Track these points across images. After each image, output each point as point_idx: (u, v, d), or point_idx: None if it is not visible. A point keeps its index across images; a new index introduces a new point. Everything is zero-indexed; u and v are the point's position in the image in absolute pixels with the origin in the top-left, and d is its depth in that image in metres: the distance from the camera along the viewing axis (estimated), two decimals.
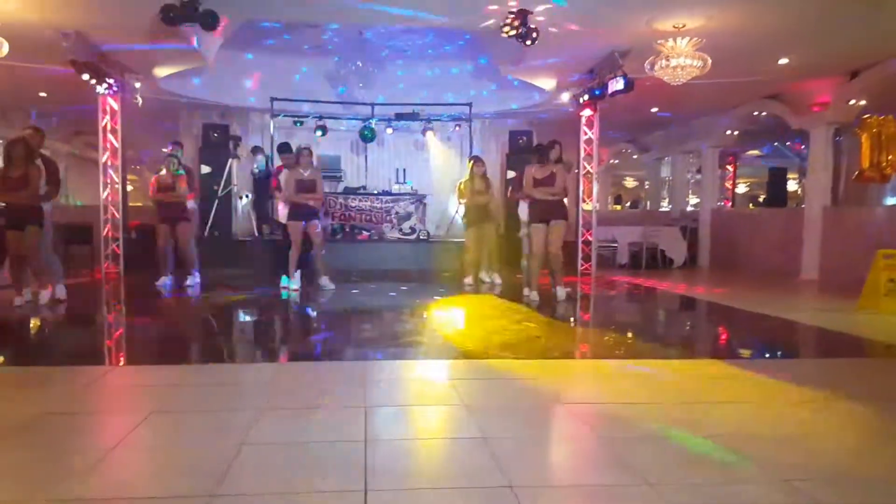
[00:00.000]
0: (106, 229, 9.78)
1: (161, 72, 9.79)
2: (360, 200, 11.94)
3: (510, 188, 9.62)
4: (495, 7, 7.06)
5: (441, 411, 3.36)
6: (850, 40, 8.00)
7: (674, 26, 7.38)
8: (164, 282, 8.48)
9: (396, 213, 11.89)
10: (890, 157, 8.78)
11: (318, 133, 12.32)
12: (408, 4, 7.33)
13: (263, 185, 11.57)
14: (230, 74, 11.65)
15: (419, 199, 12.06)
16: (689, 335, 6.56)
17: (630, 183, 28.27)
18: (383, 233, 11.76)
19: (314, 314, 7.07)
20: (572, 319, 6.89)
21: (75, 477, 2.40)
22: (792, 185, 18.93)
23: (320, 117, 12.36)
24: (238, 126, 12.83)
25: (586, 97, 9.87)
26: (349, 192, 12.33)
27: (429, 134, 12.94)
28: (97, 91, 8.92)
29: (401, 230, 11.73)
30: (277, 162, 9.18)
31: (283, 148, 8.73)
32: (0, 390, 3.73)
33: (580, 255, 10.65)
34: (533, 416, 3.28)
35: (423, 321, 6.60)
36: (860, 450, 2.92)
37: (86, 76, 8.20)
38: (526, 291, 7.53)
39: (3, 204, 6.66)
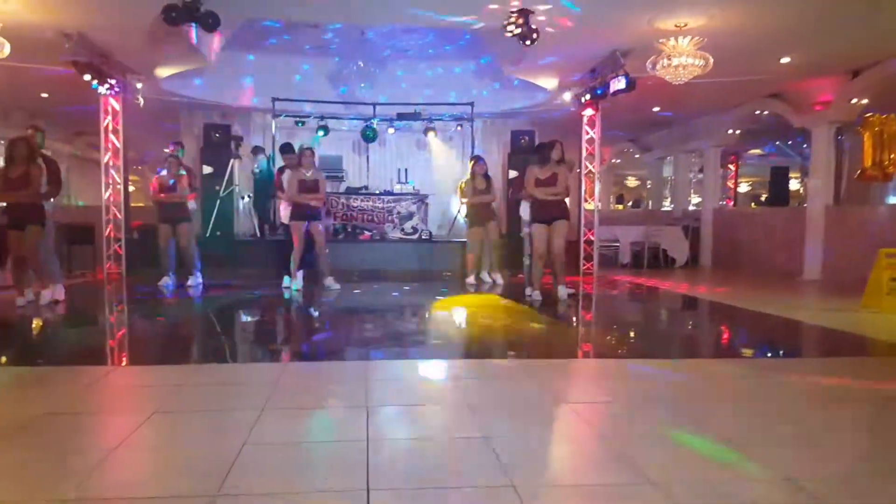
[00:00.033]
0: (108, 230, 9.79)
1: (162, 72, 9.79)
2: (361, 200, 11.94)
3: (511, 189, 9.62)
4: (496, 6, 7.05)
5: (443, 411, 3.36)
6: (852, 39, 7.99)
7: (675, 25, 7.37)
8: (166, 282, 8.49)
9: (398, 212, 11.89)
10: (892, 156, 8.77)
11: (320, 133, 12.32)
12: (408, 4, 7.32)
13: (264, 186, 11.60)
14: (231, 74, 11.64)
15: (421, 199, 12.05)
16: (692, 334, 6.55)
17: (632, 182, 28.23)
18: (385, 233, 11.76)
19: (316, 314, 7.07)
20: (574, 319, 6.89)
21: (77, 477, 2.39)
22: (794, 185, 18.92)
23: (322, 117, 12.37)
24: (240, 126, 12.83)
25: (588, 96, 9.87)
26: (351, 192, 12.33)
27: (430, 134, 12.93)
28: (99, 92, 8.93)
29: (402, 230, 11.72)
30: (279, 162, 9.19)
31: (286, 148, 8.74)
32: (2, 390, 3.74)
33: (582, 254, 10.64)
34: (535, 416, 3.28)
35: (425, 321, 6.60)
36: (863, 449, 2.91)
37: (87, 77, 8.21)
38: (528, 291, 7.53)
39: (4, 204, 6.67)
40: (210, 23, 6.76)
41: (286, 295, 7.85)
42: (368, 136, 12.50)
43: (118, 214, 9.86)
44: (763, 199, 20.53)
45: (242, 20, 8.54)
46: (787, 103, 10.89)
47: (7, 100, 11.60)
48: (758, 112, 12.00)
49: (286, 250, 8.23)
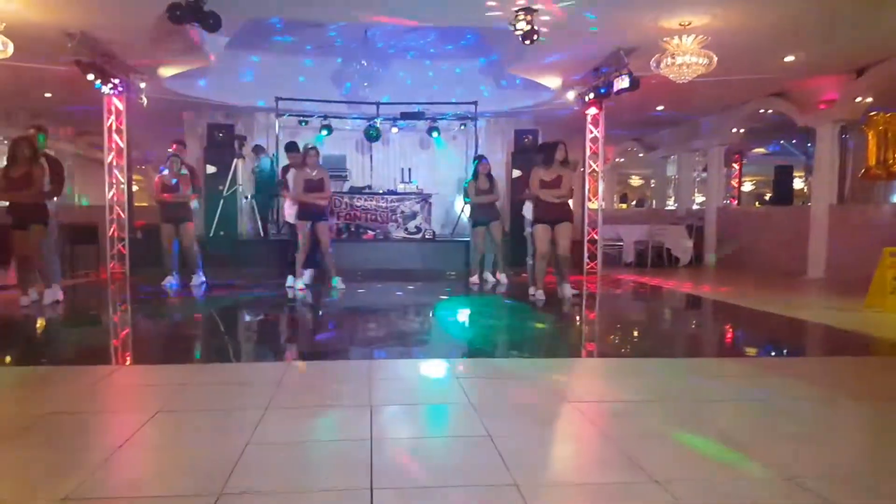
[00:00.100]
0: (111, 229, 9.80)
1: (166, 72, 9.81)
2: (365, 200, 11.93)
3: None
4: (494, 2, 7.02)
5: (446, 410, 3.36)
6: (856, 37, 7.97)
7: (679, 24, 7.35)
8: (170, 281, 8.51)
9: (402, 212, 11.88)
10: None
11: (324, 132, 12.34)
12: (409, 3, 7.33)
13: (265, 185, 11.62)
14: (235, 74, 11.66)
15: (424, 199, 12.04)
16: (695, 333, 6.53)
17: (636, 181, 28.20)
18: (389, 232, 11.76)
19: (320, 313, 7.08)
20: (578, 318, 6.88)
21: (81, 476, 2.40)
22: (798, 183, 18.86)
23: (325, 117, 12.38)
24: (243, 126, 12.84)
25: (592, 95, 9.85)
26: (354, 191, 12.33)
27: (434, 133, 12.94)
28: (102, 91, 8.94)
29: (406, 229, 11.72)
30: (283, 161, 9.20)
31: (291, 147, 8.75)
32: (6, 389, 3.75)
33: (586, 253, 10.63)
34: (539, 415, 3.27)
35: (428, 320, 6.60)
36: (866, 448, 2.91)
37: (90, 76, 8.23)
38: (531, 290, 7.52)
39: (7, 203, 6.69)
40: (211, 23, 6.77)
41: (290, 294, 7.85)
42: (372, 135, 12.51)
43: (122, 214, 9.87)
44: (767, 198, 20.50)
45: (245, 20, 8.56)
46: (791, 102, 10.87)
47: (10, 100, 11.63)
48: (762, 111, 11.98)
49: (289, 250, 8.23)
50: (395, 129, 13.06)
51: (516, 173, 11.34)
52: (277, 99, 11.80)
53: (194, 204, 8.81)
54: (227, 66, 10.58)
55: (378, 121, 12.48)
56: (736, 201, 19.54)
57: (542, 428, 3.11)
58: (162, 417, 3.12)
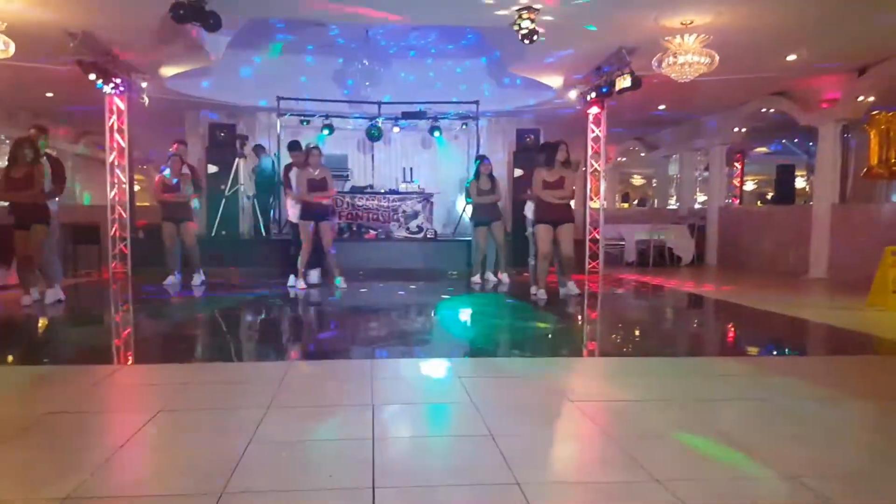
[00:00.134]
0: (113, 229, 9.81)
1: (167, 71, 9.81)
2: (367, 199, 11.93)
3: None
4: (494, 1, 7.01)
5: (449, 409, 3.36)
6: (858, 36, 7.95)
7: (681, 23, 7.34)
8: (172, 281, 8.51)
9: (403, 211, 11.87)
10: None
11: (325, 132, 12.34)
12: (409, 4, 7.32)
13: (265, 185, 11.62)
14: (236, 74, 11.66)
15: (426, 198, 12.04)
16: (697, 332, 6.53)
17: (638, 181, 28.19)
18: (390, 231, 11.76)
19: (322, 312, 7.08)
20: (580, 317, 6.88)
21: (82, 475, 2.40)
22: (800, 183, 18.85)
23: (327, 116, 12.38)
24: (245, 125, 12.84)
25: (593, 95, 9.84)
26: (356, 191, 12.33)
27: (436, 132, 12.93)
28: (104, 91, 8.95)
29: (408, 229, 11.72)
30: (285, 160, 9.20)
31: (294, 146, 8.75)
32: (8, 389, 3.75)
33: (587, 253, 10.62)
34: (541, 414, 3.27)
35: (430, 319, 6.60)
36: (868, 447, 2.90)
37: (92, 76, 8.23)
38: (533, 290, 7.53)
39: (8, 204, 6.70)
40: (212, 23, 6.78)
41: (291, 294, 7.85)
42: (373, 134, 12.52)
43: (123, 214, 9.88)
44: (769, 197, 20.48)
45: (246, 20, 8.55)
46: (793, 101, 10.85)
47: (12, 100, 11.64)
48: (764, 110, 11.96)
49: (291, 249, 8.22)
50: (396, 129, 13.06)
51: (518, 173, 11.33)
52: (279, 98, 11.80)
53: (195, 203, 8.82)
54: (228, 66, 10.58)
55: (380, 120, 12.48)
56: (738, 200, 19.52)
57: (543, 427, 3.11)
58: (163, 417, 3.12)
